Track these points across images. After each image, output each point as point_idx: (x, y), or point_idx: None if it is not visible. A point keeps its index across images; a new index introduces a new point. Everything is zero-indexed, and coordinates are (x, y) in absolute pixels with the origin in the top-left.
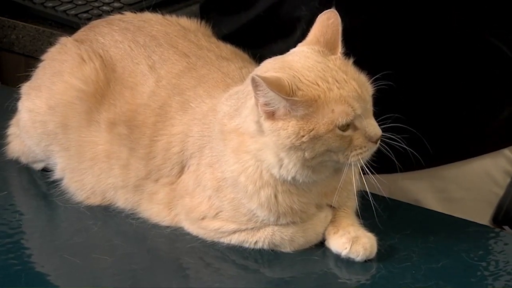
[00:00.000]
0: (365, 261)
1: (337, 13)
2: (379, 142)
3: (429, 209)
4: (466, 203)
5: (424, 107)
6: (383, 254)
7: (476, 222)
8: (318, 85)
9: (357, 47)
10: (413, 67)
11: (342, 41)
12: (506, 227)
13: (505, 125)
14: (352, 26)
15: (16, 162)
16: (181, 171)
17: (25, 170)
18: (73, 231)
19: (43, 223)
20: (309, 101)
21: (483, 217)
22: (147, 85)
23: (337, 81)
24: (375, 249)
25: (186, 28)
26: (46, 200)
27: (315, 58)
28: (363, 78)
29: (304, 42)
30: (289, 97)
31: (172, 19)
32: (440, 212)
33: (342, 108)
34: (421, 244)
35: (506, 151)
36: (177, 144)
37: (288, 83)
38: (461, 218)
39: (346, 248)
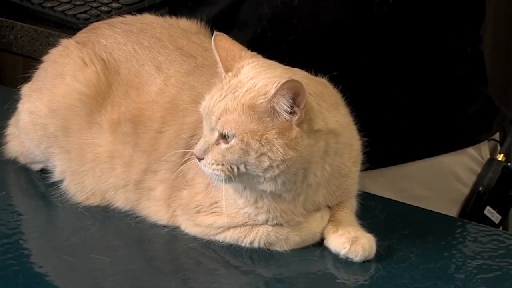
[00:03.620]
0: (364, 261)
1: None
2: (202, 164)
3: (427, 209)
4: (431, 201)
5: (387, 105)
6: (382, 254)
7: (474, 223)
8: None
9: (319, 44)
10: (377, 66)
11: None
12: None
13: (469, 124)
14: (315, 24)
15: (14, 162)
16: (182, 157)
17: (23, 170)
18: (71, 231)
19: (41, 224)
20: None
21: (449, 214)
22: (154, 84)
23: None
24: (374, 250)
25: (187, 31)
26: (44, 201)
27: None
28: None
29: None
30: None
31: (172, 21)
32: (439, 212)
33: None
34: (420, 245)
35: (470, 150)
36: (189, 131)
37: None
38: (460, 219)
39: (345, 248)
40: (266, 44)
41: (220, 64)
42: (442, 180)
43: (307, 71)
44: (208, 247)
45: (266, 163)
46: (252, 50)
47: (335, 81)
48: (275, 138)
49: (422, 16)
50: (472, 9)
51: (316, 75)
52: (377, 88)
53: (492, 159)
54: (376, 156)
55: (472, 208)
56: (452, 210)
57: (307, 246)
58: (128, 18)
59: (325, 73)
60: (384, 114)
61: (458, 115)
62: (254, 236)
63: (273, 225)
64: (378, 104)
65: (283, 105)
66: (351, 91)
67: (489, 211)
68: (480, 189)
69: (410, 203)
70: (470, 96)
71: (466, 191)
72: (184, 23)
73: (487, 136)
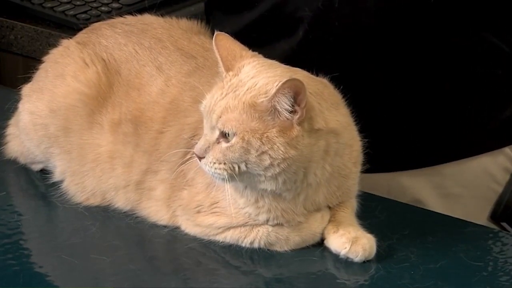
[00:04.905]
0: (364, 261)
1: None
2: (203, 163)
3: (427, 210)
4: (465, 199)
5: (426, 105)
6: (382, 254)
7: (474, 223)
8: None
9: (360, 46)
10: (415, 65)
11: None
12: (504, 224)
13: (506, 124)
14: (356, 26)
15: (14, 162)
16: (183, 157)
17: (24, 170)
18: (71, 231)
19: (41, 224)
20: None
21: (482, 213)
22: (155, 85)
23: None
24: (374, 250)
25: (188, 31)
26: (44, 201)
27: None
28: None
29: None
30: None
31: (173, 21)
32: (439, 213)
33: None
34: (420, 245)
35: (505, 149)
36: (190, 131)
37: None
38: (460, 219)
39: (345, 248)
40: (308, 46)
41: (221, 64)
42: (477, 179)
43: (312, 71)
44: (208, 247)
45: (267, 161)
46: (294, 53)
47: (372, 80)
48: (276, 137)
49: (461, 15)
50: (508, 8)
51: (317, 75)
52: (416, 87)
53: None
54: (415, 156)
55: (505, 207)
56: (485, 209)
57: (307, 246)
58: (129, 18)
59: (364, 72)
60: (422, 114)
61: (496, 116)
62: (254, 237)
63: (274, 225)
64: (417, 104)
65: (284, 104)
66: (389, 89)
67: None
68: None
69: (445, 201)
70: (506, 96)
71: (499, 189)
72: (185, 24)
73: None
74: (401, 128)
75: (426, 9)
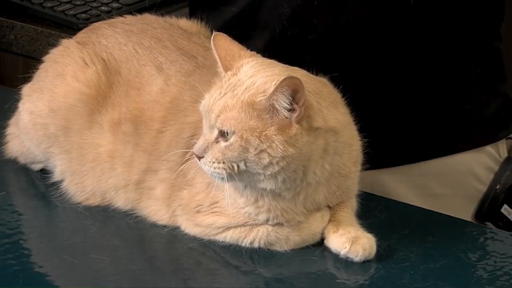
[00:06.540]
0: (364, 261)
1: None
2: (202, 162)
3: (427, 210)
4: (448, 199)
5: (406, 102)
6: (382, 254)
7: (474, 223)
8: None
9: (338, 45)
10: (394, 63)
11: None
12: (488, 223)
13: (488, 122)
14: (334, 24)
15: (14, 162)
16: (183, 157)
17: (24, 170)
18: (71, 231)
19: (41, 223)
20: None
21: (465, 213)
22: (155, 84)
23: None
24: (374, 250)
25: (188, 31)
26: (44, 200)
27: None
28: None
29: None
30: None
31: (173, 21)
32: (439, 213)
33: None
34: (420, 245)
35: (488, 148)
36: (190, 130)
37: None
38: (460, 219)
39: (345, 248)
40: (286, 43)
41: (219, 64)
42: (460, 178)
43: (311, 70)
44: (208, 247)
45: (266, 159)
46: (271, 50)
47: (350, 79)
48: (275, 135)
49: (442, 14)
50: (491, 7)
51: (317, 75)
52: (397, 85)
53: (509, 158)
54: (395, 153)
55: (489, 206)
56: (469, 208)
57: (307, 246)
58: (129, 18)
59: (342, 71)
60: (402, 111)
61: (477, 113)
62: (254, 236)
63: (273, 225)
64: (397, 101)
65: (282, 102)
66: (370, 86)
67: (506, 210)
68: (498, 187)
69: (428, 201)
70: (489, 94)
71: (483, 189)
72: (185, 23)
73: (505, 134)
74: (380, 125)
75: (405, 9)
